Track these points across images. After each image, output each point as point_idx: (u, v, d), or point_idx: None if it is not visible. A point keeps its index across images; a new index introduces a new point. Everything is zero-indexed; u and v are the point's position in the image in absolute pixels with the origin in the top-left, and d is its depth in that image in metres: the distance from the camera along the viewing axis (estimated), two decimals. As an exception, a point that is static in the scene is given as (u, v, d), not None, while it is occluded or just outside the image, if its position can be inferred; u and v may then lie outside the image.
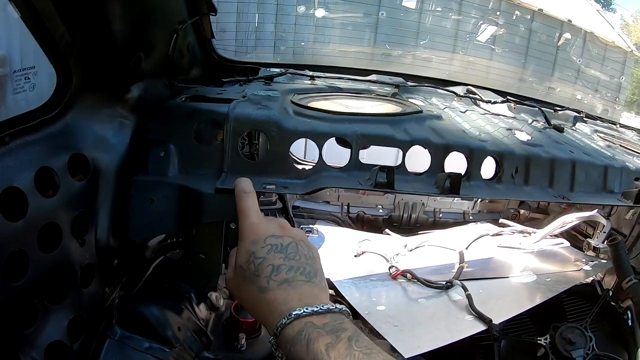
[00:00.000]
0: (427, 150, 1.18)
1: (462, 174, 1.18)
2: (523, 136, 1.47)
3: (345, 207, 2.22)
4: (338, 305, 0.68)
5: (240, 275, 0.74)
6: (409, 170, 1.18)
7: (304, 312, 0.65)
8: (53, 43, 0.80)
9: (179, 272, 1.21)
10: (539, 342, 1.55)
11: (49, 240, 0.79)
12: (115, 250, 0.99)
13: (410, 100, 1.59)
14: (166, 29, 1.10)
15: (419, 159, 1.22)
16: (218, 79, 1.48)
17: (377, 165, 1.07)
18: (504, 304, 1.52)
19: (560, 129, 1.70)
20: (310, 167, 1.13)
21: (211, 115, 1.08)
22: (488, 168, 1.28)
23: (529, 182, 1.29)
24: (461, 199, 2.29)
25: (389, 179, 1.05)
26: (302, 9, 2.04)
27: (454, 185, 1.10)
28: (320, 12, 2.05)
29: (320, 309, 0.66)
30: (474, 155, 1.22)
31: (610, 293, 1.73)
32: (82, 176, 0.89)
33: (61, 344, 0.82)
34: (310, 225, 1.99)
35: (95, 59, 0.89)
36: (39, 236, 0.76)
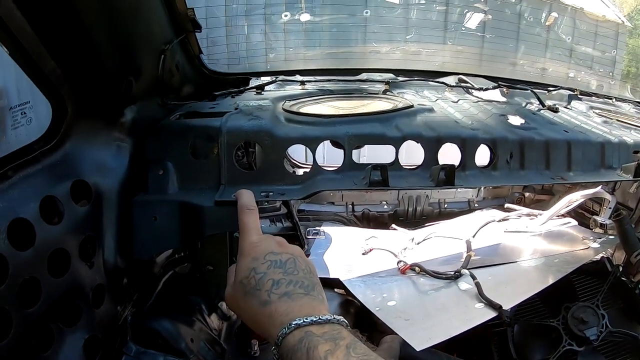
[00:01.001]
0: (419, 144, 1.20)
1: (457, 164, 1.20)
2: (516, 120, 1.48)
3: (350, 206, 2.23)
4: (336, 316, 0.70)
5: (241, 291, 0.76)
6: (405, 166, 1.20)
7: (304, 321, 0.67)
8: (44, 77, 0.83)
9: (188, 285, 1.24)
10: (551, 324, 1.55)
11: (58, 266, 0.82)
12: (124, 269, 1.02)
13: (402, 95, 1.61)
14: (153, 51, 1.13)
15: (420, 151, 1.24)
16: (210, 93, 1.51)
17: (371, 164, 1.09)
18: (514, 289, 1.52)
19: (554, 110, 1.71)
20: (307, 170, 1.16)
21: (205, 131, 1.11)
22: (484, 156, 1.30)
23: (525, 166, 1.30)
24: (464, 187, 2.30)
25: (383, 176, 1.07)
26: (287, 16, 2.07)
27: (448, 176, 1.12)
28: (306, 17, 2.07)
29: (320, 319, 0.68)
30: (467, 145, 1.23)
31: (621, 268, 1.72)
32: (85, 201, 0.92)
33: (79, 364, 0.85)
34: (317, 228, 2.00)
35: (87, 88, 0.92)
36: (48, 262, 0.79)
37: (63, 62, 0.84)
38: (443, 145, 1.24)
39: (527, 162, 1.30)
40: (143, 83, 1.09)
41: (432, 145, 1.21)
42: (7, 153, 0.82)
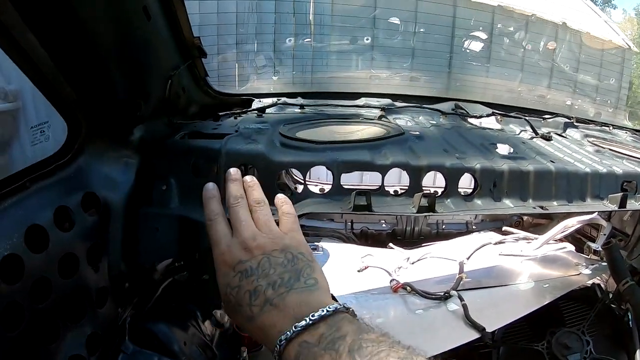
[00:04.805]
0: (405, 171, 1.27)
1: (438, 192, 1.26)
2: (504, 149, 1.54)
3: (349, 223, 2.29)
4: (329, 308, 0.63)
5: (228, 309, 0.73)
6: (392, 187, 1.28)
7: (293, 332, 0.61)
8: (61, 100, 0.93)
9: (186, 292, 1.31)
10: (535, 347, 1.59)
11: (68, 268, 0.90)
12: (126, 274, 1.10)
13: (397, 121, 1.68)
14: (162, 76, 1.22)
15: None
16: (215, 113, 1.60)
17: (356, 189, 1.17)
18: (500, 312, 1.56)
19: (547, 138, 1.76)
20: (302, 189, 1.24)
21: (206, 152, 1.19)
22: (468, 184, 1.36)
23: (508, 194, 1.35)
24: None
25: (367, 202, 1.15)
26: (292, 40, 2.18)
27: (430, 204, 1.19)
28: (309, 42, 2.18)
29: (311, 320, 0.61)
30: (451, 173, 1.30)
31: (610, 296, 1.75)
32: (94, 211, 1.01)
33: (80, 357, 0.92)
34: (315, 243, 2.07)
35: (100, 110, 1.02)
36: (59, 265, 0.87)
37: (78, 87, 0.94)
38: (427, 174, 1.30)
39: (511, 191, 1.35)
40: (151, 105, 1.18)
41: (417, 173, 1.28)
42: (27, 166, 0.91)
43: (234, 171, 0.89)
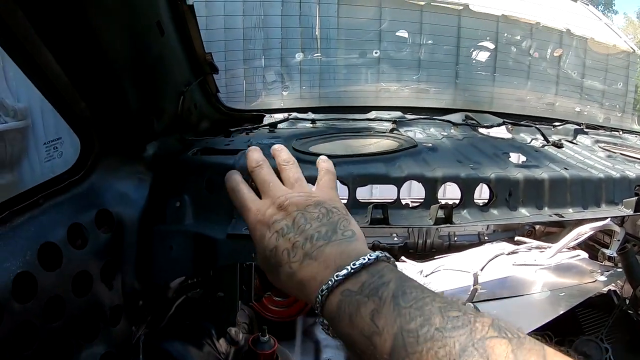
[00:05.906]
0: (421, 184, 1.26)
1: (455, 203, 1.25)
2: (518, 158, 1.53)
3: (361, 238, 2.25)
4: (370, 255, 0.60)
5: (267, 269, 0.71)
6: (409, 200, 1.26)
7: (335, 280, 0.58)
8: (75, 117, 0.93)
9: (200, 310, 1.29)
10: (554, 358, 1.56)
11: (81, 286, 0.89)
12: (140, 292, 1.09)
13: (408, 133, 1.67)
14: (174, 93, 1.23)
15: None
16: (226, 129, 1.59)
17: (373, 202, 1.15)
18: (517, 323, 1.52)
19: (559, 145, 1.74)
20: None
21: (219, 168, 1.17)
22: (484, 194, 1.34)
23: (524, 203, 1.33)
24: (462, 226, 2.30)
25: (384, 215, 1.13)
26: (301, 56, 2.18)
27: (447, 215, 1.17)
28: (318, 57, 2.19)
29: (352, 268, 0.58)
30: (467, 184, 1.28)
31: (627, 302, 1.72)
32: (107, 228, 1.00)
33: (95, 377, 0.91)
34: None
35: (113, 126, 1.02)
36: (72, 283, 0.86)
37: (92, 103, 0.94)
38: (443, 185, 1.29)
39: (526, 200, 1.33)
40: (163, 121, 1.18)
41: (432, 185, 1.26)
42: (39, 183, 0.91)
43: (253, 147, 0.88)
